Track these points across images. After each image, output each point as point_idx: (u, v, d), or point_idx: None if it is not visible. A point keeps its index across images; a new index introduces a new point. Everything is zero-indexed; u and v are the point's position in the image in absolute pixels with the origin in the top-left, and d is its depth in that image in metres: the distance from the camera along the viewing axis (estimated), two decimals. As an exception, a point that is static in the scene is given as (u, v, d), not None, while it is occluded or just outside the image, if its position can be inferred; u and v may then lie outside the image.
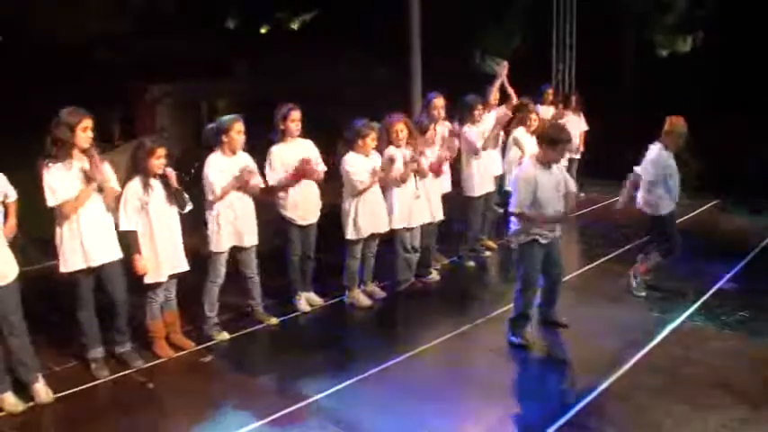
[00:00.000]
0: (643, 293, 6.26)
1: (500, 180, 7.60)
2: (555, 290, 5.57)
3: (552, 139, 5.10)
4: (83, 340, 4.94)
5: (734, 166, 8.94)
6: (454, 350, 5.39)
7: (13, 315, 4.47)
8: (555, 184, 5.19)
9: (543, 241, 5.21)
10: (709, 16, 12.43)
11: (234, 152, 5.40)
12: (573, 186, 5.44)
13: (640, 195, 6.23)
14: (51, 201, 4.58)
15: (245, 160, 5.47)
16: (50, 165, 4.56)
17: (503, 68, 7.43)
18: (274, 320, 5.85)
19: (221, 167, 5.34)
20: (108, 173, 4.79)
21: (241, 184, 5.35)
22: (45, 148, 4.59)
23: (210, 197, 5.33)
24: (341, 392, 4.69)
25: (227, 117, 5.49)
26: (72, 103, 4.70)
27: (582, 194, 9.17)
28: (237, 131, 5.35)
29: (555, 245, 5.35)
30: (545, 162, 5.15)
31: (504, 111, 7.26)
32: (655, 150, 6.10)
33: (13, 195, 4.65)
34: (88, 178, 4.63)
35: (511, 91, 7.45)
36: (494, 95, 7.33)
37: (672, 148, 6.12)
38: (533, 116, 7.55)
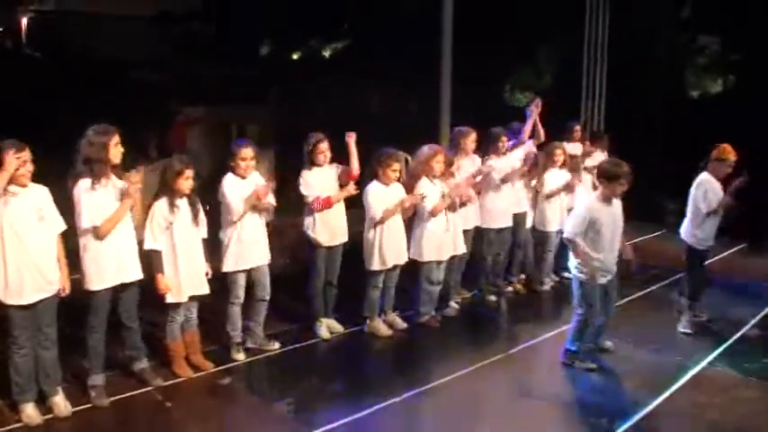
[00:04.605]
0: (688, 330, 6.28)
1: (524, 217, 7.54)
2: (604, 322, 5.65)
3: (611, 175, 5.24)
4: (85, 364, 4.87)
5: (762, 210, 8.82)
6: (469, 386, 5.33)
7: (48, 327, 4.53)
8: (614, 220, 5.33)
9: (603, 281, 5.37)
10: (743, 60, 12.38)
11: (243, 177, 5.45)
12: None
13: (684, 226, 6.26)
14: (87, 222, 4.55)
15: (257, 182, 5.51)
16: (86, 184, 4.55)
17: (535, 106, 7.32)
18: (276, 346, 5.79)
19: (238, 189, 5.40)
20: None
21: (255, 203, 5.39)
22: (75, 167, 4.59)
23: (232, 218, 5.38)
24: (354, 423, 4.66)
25: (238, 141, 5.68)
26: (107, 120, 4.72)
27: None
28: (242, 158, 5.39)
29: (613, 282, 5.48)
30: (606, 198, 5.29)
31: (531, 147, 7.26)
32: (700, 179, 6.13)
33: None
34: (123, 195, 4.67)
35: (540, 128, 7.43)
36: (527, 133, 7.26)
37: (718, 176, 6.12)
38: (559, 151, 7.47)
